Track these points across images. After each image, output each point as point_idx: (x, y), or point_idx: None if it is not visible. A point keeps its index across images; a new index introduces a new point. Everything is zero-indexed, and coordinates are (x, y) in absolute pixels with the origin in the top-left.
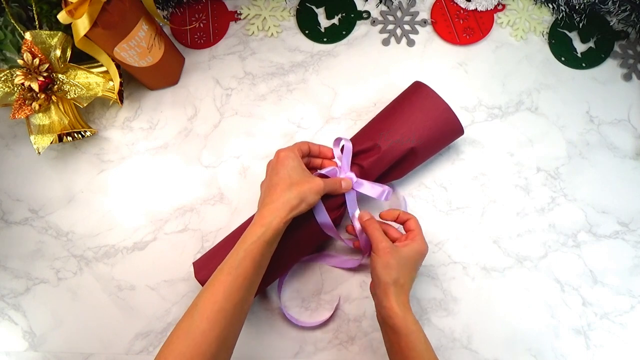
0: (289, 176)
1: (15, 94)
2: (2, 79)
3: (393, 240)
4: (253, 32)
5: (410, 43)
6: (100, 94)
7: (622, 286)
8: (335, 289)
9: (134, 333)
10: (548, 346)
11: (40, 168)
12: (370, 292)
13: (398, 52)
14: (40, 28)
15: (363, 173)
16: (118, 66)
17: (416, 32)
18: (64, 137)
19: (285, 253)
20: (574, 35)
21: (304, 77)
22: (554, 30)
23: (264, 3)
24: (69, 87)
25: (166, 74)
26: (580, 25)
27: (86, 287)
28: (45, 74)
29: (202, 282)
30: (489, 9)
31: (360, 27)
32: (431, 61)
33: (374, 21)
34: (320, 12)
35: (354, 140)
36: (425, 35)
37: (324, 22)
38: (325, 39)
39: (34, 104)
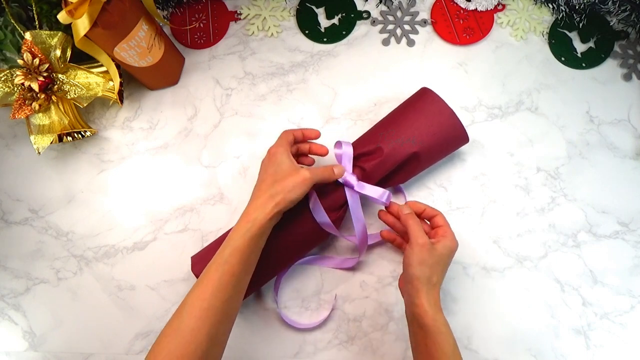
0: (275, 172)
1: (15, 94)
2: (2, 79)
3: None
4: (253, 32)
5: (410, 43)
6: (100, 94)
7: (622, 286)
8: (335, 289)
9: (134, 333)
10: (548, 346)
11: (40, 168)
12: (399, 287)
13: (398, 52)
14: (40, 28)
15: (365, 176)
16: (118, 66)
17: (416, 32)
18: (64, 137)
19: (283, 251)
20: (574, 35)
21: (304, 77)
22: (554, 30)
23: (264, 3)
24: (69, 87)
25: (166, 74)
26: (580, 25)
27: (86, 287)
28: (45, 74)
29: (198, 276)
30: (489, 9)
31: (360, 27)
32: (431, 61)
33: (374, 21)
34: (320, 12)
35: (357, 142)
36: (425, 35)
37: (324, 22)
38: (325, 39)
39: (34, 104)
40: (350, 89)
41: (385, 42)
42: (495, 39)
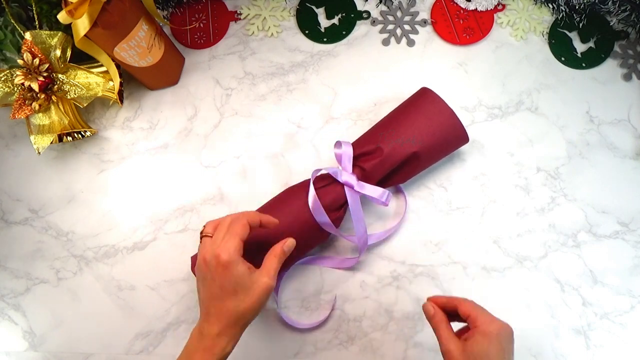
0: (235, 290)
1: (15, 94)
2: (2, 79)
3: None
4: (253, 32)
5: (410, 43)
6: (100, 94)
7: (622, 286)
8: (335, 289)
9: (134, 333)
10: (548, 346)
11: (40, 168)
12: None
13: (398, 52)
14: (40, 28)
15: (365, 176)
16: (118, 66)
17: (416, 32)
18: (64, 137)
19: None
20: (574, 35)
21: (304, 77)
22: (554, 30)
23: (264, 3)
24: (69, 87)
25: (166, 74)
26: (580, 25)
27: (86, 287)
28: (45, 74)
29: None
30: (489, 9)
31: (360, 27)
32: (431, 61)
33: (374, 21)
34: (320, 12)
35: (357, 142)
36: (425, 35)
37: (324, 22)
38: (325, 39)
39: (34, 104)
40: (350, 89)
41: (385, 42)
42: (495, 39)
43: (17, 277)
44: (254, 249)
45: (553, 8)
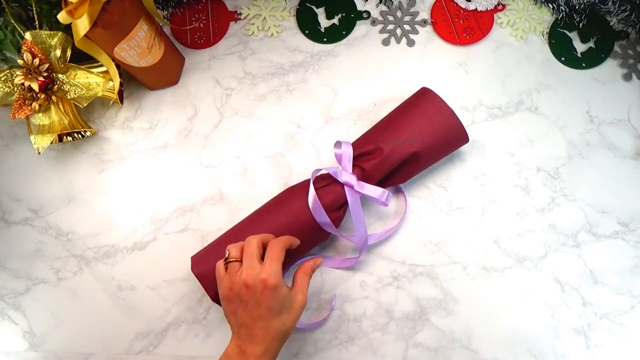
0: (280, 310)
1: (15, 94)
2: (2, 79)
3: None
4: (253, 32)
5: (410, 43)
6: (100, 94)
7: (622, 286)
8: (335, 289)
9: (134, 333)
10: (548, 346)
11: (40, 168)
12: None
13: (398, 52)
14: (40, 28)
15: (365, 176)
16: (118, 66)
17: (416, 32)
18: (64, 137)
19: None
20: (574, 35)
21: (304, 77)
22: (554, 30)
23: (264, 3)
24: (69, 87)
25: (166, 74)
26: (580, 25)
27: (86, 287)
28: (45, 74)
29: (198, 276)
30: (489, 9)
31: (360, 27)
32: (431, 61)
33: (374, 21)
34: (320, 12)
35: (357, 142)
36: (425, 35)
37: (324, 22)
38: (325, 39)
39: (34, 104)
40: (350, 89)
41: (385, 42)
42: (495, 39)
43: (17, 277)
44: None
45: (553, 8)
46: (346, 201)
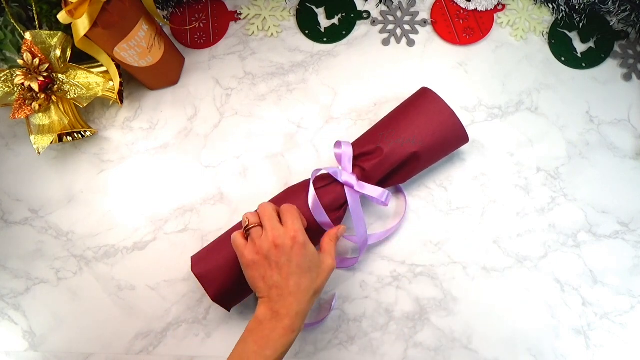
0: (310, 268)
1: (15, 94)
2: (2, 79)
3: None
4: (253, 32)
5: (410, 43)
6: (100, 94)
7: (622, 286)
8: (335, 289)
9: (134, 333)
10: (548, 346)
11: (40, 168)
12: None
13: (398, 52)
14: (40, 28)
15: (365, 176)
16: (118, 66)
17: (416, 32)
18: (64, 137)
19: None
20: (574, 35)
21: (304, 77)
22: (554, 30)
23: (264, 3)
24: (69, 87)
25: (166, 74)
26: (580, 25)
27: (86, 287)
28: (45, 74)
29: (198, 276)
30: (489, 9)
31: (360, 27)
32: (431, 61)
33: (374, 21)
34: (320, 12)
35: (357, 142)
36: (425, 35)
37: (324, 22)
38: (325, 39)
39: (34, 104)
40: (350, 89)
41: (385, 42)
42: (495, 39)
43: (17, 277)
44: None
45: (553, 8)
46: (346, 201)
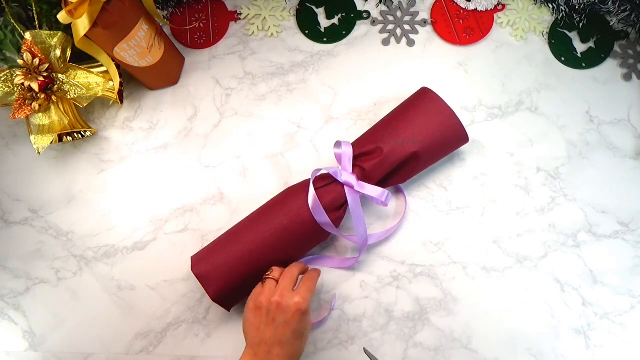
0: (303, 334)
1: (15, 94)
2: (2, 79)
3: None
4: (253, 32)
5: (410, 43)
6: (100, 94)
7: (622, 286)
8: (335, 289)
9: (134, 333)
10: (548, 346)
11: (40, 168)
12: None
13: (398, 52)
14: (40, 28)
15: (364, 176)
16: (118, 66)
17: (416, 32)
18: (64, 137)
19: (283, 252)
20: (574, 35)
21: (304, 77)
22: (554, 30)
23: (264, 3)
24: (69, 87)
25: (166, 74)
26: (580, 25)
27: (86, 287)
28: (45, 74)
29: (198, 276)
30: (489, 9)
31: (360, 27)
32: (431, 61)
33: (374, 21)
34: (320, 12)
35: (357, 142)
36: (425, 35)
37: (324, 22)
38: (325, 39)
39: (34, 104)
40: (350, 89)
41: (385, 42)
42: (495, 39)
43: (17, 277)
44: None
45: (553, 8)
46: (346, 201)
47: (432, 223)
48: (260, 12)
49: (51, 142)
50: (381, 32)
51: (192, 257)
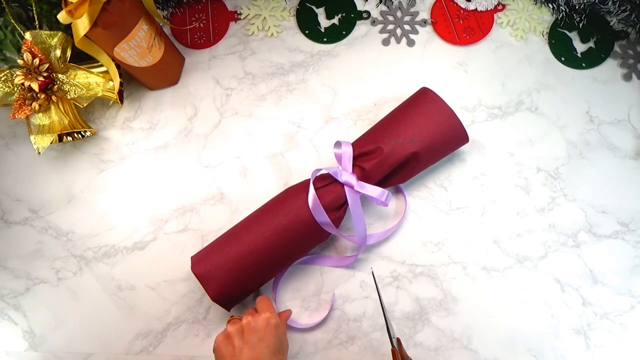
0: (281, 347)
1: (15, 94)
2: (2, 79)
3: None
4: (253, 32)
5: (410, 43)
6: (100, 94)
7: (622, 286)
8: (335, 288)
9: (134, 333)
10: (548, 346)
11: (40, 168)
12: None
13: (398, 52)
14: (40, 28)
15: (364, 175)
16: (118, 66)
17: (416, 32)
18: (64, 137)
19: (283, 252)
20: (574, 35)
21: (304, 77)
22: (554, 30)
23: (264, 3)
24: (69, 87)
25: (166, 74)
26: (580, 25)
27: (86, 287)
28: (45, 74)
29: (198, 276)
30: (489, 9)
31: (360, 27)
32: (431, 61)
33: (374, 21)
34: (320, 12)
35: (357, 142)
36: (425, 35)
37: (324, 22)
38: (325, 39)
39: (34, 104)
40: (350, 89)
41: (385, 42)
42: (495, 39)
43: (17, 277)
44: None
45: (553, 8)
46: (346, 201)
47: (432, 223)
48: (260, 12)
49: (51, 142)
50: (381, 32)
51: (192, 257)
